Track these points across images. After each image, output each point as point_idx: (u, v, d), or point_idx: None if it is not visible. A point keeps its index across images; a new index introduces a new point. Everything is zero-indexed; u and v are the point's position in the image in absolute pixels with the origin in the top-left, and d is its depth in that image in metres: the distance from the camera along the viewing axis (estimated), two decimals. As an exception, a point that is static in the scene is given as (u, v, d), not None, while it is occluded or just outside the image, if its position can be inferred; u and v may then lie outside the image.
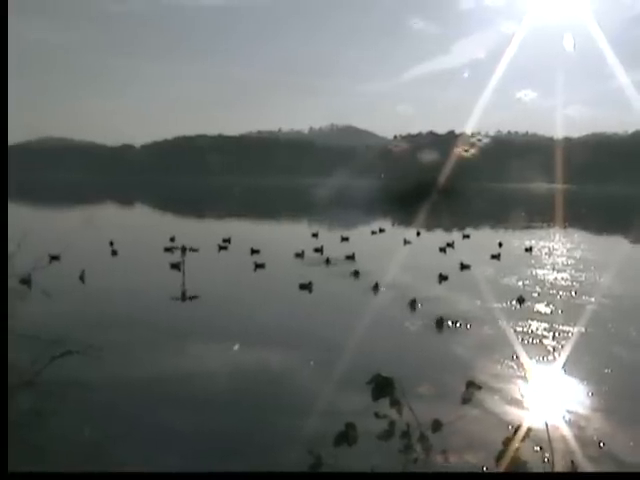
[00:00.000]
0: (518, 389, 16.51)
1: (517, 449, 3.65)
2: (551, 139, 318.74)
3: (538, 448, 7.19)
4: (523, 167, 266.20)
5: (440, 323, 23.13)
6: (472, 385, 3.72)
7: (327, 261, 38.41)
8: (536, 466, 3.91)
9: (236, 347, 17.00)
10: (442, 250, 45.13)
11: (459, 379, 15.90)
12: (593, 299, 28.68)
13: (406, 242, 49.09)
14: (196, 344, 20.37)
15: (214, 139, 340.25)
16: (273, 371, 17.78)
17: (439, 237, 54.83)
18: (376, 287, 29.77)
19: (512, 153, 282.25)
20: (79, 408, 14.52)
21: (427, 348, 20.56)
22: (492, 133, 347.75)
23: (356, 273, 33.86)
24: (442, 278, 33.14)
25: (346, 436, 3.56)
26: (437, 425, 3.68)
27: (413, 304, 26.17)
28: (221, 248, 44.27)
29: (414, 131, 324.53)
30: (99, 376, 16.71)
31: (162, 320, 23.66)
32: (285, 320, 24.21)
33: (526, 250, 46.68)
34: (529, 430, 3.75)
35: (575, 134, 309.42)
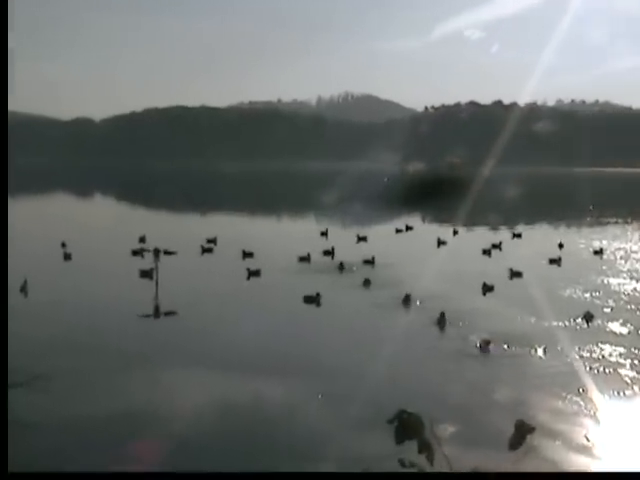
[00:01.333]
0: (586, 432, 16.41)
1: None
2: (629, 108, 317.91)
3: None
4: (592, 146, 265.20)
5: (485, 345, 23.07)
6: (523, 426, 3.69)
7: (340, 267, 38.42)
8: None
9: None
10: (486, 253, 45.04)
11: (507, 418, 15.88)
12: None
13: (440, 243, 49.02)
14: (172, 373, 20.39)
15: (195, 111, 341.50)
16: (270, 407, 17.77)
17: (482, 236, 54.65)
18: (407, 300, 29.72)
19: (578, 128, 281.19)
20: (20, 458, 14.52)
21: (467, 377, 20.49)
22: (552, 103, 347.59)
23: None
24: (487, 288, 33.05)
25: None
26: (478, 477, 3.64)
27: (443, 320, 26.19)
28: (205, 250, 44.37)
29: (450, 101, 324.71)
30: (47, 415, 16.75)
31: (129, 343, 23.68)
32: (286, 342, 24.20)
33: (595, 253, 46.46)
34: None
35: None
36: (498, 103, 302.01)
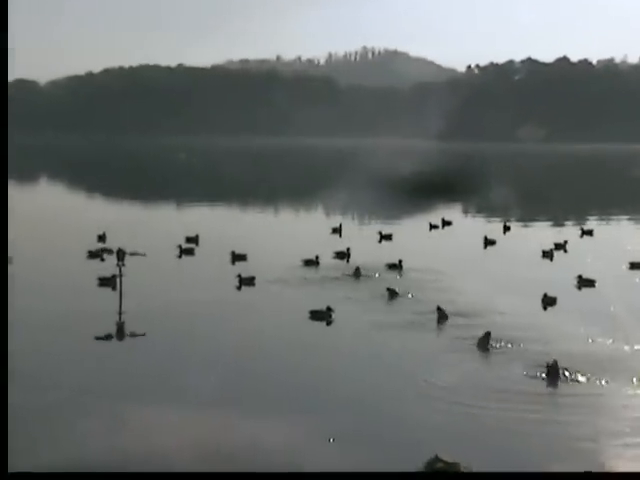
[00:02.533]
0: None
1: None
2: None
3: None
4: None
5: (554, 375, 23.02)
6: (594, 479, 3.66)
7: (357, 273, 38.42)
8: None
9: None
10: (547, 255, 44.99)
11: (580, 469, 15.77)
12: None
13: (487, 242, 49.06)
14: (139, 412, 20.38)
15: (170, 72, 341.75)
16: (266, 453, 17.74)
17: (542, 234, 54.60)
18: (443, 317, 29.65)
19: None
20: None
21: (530, 419, 20.45)
22: (634, 59, 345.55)
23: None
24: (548, 301, 32.97)
25: None
26: None
27: (487, 340, 26.16)
28: (183, 252, 44.38)
29: (500, 59, 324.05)
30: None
31: (83, 373, 23.67)
32: (288, 370, 24.28)
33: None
34: None
35: None
36: (563, 60, 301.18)
